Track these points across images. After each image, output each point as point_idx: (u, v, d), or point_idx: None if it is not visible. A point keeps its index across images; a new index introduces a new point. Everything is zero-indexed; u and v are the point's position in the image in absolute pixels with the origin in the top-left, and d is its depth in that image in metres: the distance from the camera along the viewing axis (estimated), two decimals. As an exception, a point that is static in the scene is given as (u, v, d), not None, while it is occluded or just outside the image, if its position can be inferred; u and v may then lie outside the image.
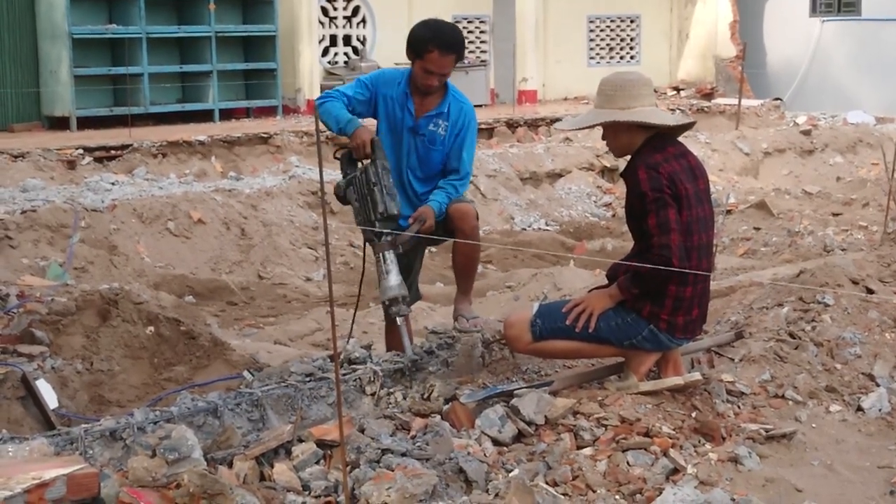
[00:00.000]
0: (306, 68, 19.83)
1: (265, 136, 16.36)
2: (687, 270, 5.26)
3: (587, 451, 4.88)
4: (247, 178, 14.30)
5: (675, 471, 4.77)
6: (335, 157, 6.33)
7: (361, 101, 6.34)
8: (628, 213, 5.53)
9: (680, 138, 5.72)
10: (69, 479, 4.02)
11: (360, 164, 6.17)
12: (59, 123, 17.51)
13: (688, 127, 5.72)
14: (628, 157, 5.57)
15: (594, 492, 4.58)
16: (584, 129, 5.98)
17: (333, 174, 14.08)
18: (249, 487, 4.25)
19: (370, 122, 6.43)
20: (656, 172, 5.31)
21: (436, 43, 6.11)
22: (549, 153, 16.68)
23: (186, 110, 18.47)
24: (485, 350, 6.08)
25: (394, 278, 5.98)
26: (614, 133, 5.56)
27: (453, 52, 6.21)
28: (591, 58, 24.46)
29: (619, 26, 24.80)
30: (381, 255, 6.00)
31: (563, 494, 4.53)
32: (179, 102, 18.73)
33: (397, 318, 6.07)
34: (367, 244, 6.32)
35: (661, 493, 4.49)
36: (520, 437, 5.08)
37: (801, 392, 5.68)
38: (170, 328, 7.05)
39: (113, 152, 15.00)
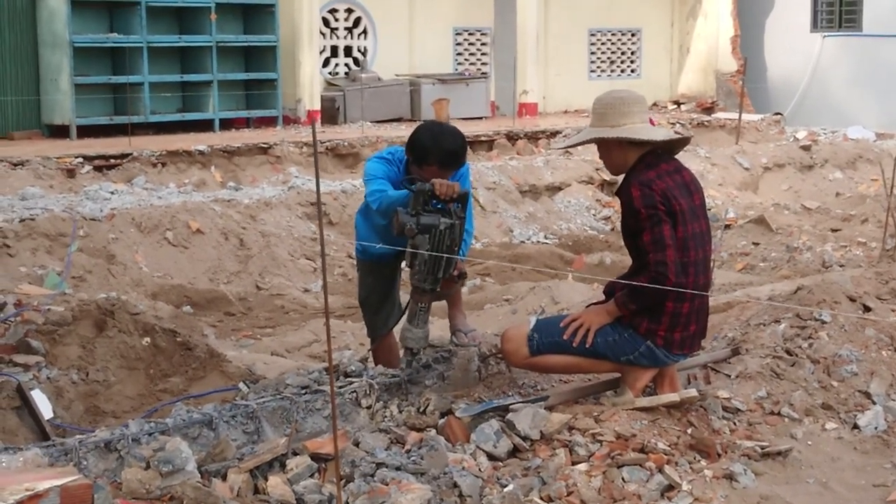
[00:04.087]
0: (307, 79, 19.84)
1: (265, 146, 16.39)
2: (682, 290, 5.25)
3: (582, 466, 4.87)
4: (246, 189, 14.30)
5: (671, 487, 4.76)
6: (405, 187, 5.92)
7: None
8: (624, 231, 5.53)
9: (680, 153, 5.72)
10: (63, 491, 4.01)
11: (441, 217, 5.78)
12: (59, 132, 17.53)
13: (683, 143, 5.71)
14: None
15: (588, 508, 4.58)
16: (573, 147, 5.97)
17: (332, 185, 14.22)
18: (243, 500, 4.25)
19: None
20: (649, 189, 5.31)
21: (436, 158, 5.98)
22: (549, 166, 16.69)
23: (186, 120, 18.49)
24: (481, 364, 6.07)
25: (424, 331, 5.95)
26: (607, 151, 5.58)
27: (453, 168, 6.10)
28: (592, 71, 24.49)
29: (619, 40, 24.84)
30: (423, 305, 5.96)
31: (558, 510, 4.52)
32: (179, 112, 18.75)
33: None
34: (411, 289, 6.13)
35: (655, 509, 4.49)
36: (515, 451, 5.07)
37: (797, 409, 5.67)
38: (166, 339, 7.04)
39: (112, 161, 15.03)
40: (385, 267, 6.60)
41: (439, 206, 5.82)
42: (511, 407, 5.31)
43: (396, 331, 6.77)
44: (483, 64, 22.84)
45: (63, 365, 6.67)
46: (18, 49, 17.72)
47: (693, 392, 5.51)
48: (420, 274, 5.80)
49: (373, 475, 4.61)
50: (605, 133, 5.50)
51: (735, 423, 5.52)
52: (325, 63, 20.97)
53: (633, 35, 24.97)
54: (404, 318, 6.12)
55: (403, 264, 6.66)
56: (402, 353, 6.14)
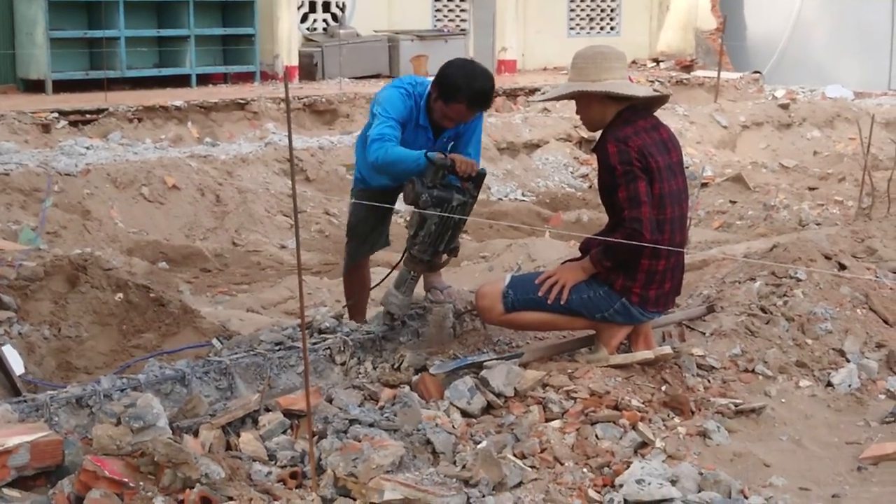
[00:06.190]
0: (285, 34, 19.71)
1: (242, 101, 16.29)
2: (657, 246, 5.24)
3: (556, 423, 4.87)
4: (223, 144, 14.21)
5: (644, 444, 4.76)
6: (427, 158, 5.73)
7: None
8: (601, 187, 5.50)
9: (658, 111, 5.69)
10: (33, 447, 4.00)
11: (455, 194, 5.74)
12: (35, 86, 17.37)
13: (662, 100, 5.69)
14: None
15: (562, 464, 4.57)
16: (553, 100, 5.93)
17: (309, 142, 14.15)
18: (215, 457, 4.22)
19: None
20: (625, 146, 5.29)
21: (466, 96, 5.88)
22: (527, 123, 16.64)
23: (163, 75, 18.36)
24: (456, 321, 6.06)
25: (409, 299, 5.90)
26: (586, 106, 5.55)
27: (480, 108, 6.03)
28: (572, 28, 24.37)
29: (599, -3, 24.74)
30: (414, 273, 5.90)
31: (531, 467, 4.52)
32: (156, 67, 18.61)
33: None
34: (408, 258, 5.98)
35: (629, 466, 4.49)
36: (489, 408, 5.07)
37: (772, 367, 5.68)
38: (139, 295, 7.01)
39: (88, 116, 14.91)
40: (381, 195, 6.46)
41: (454, 182, 5.78)
42: (485, 364, 5.30)
43: (378, 290, 6.73)
44: (462, 21, 22.71)
45: (35, 320, 6.63)
46: (-7, 3, 17.55)
47: (667, 349, 5.51)
48: (422, 245, 5.77)
49: (346, 431, 4.59)
50: (587, 87, 5.46)
51: (709, 381, 5.53)
52: (304, 18, 20.82)
53: (612, -8, 24.88)
54: (391, 282, 6.04)
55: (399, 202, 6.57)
56: (382, 315, 6.06)
